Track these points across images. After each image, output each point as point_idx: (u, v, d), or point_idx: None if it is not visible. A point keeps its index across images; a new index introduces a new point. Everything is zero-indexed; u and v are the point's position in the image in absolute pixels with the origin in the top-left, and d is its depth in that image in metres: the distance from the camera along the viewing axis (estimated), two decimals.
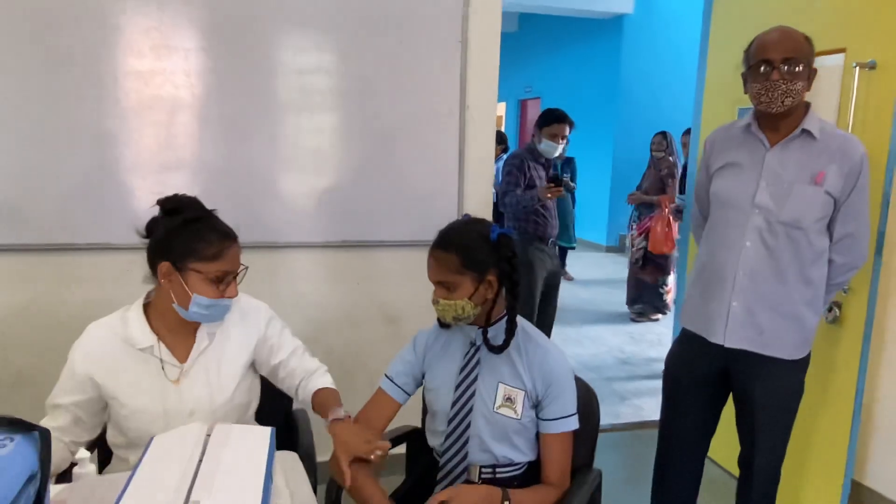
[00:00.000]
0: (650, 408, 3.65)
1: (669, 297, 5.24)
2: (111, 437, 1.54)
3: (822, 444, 2.35)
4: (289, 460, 1.29)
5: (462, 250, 1.44)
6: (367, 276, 2.52)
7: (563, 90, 9.75)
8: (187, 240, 1.41)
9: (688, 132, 3.79)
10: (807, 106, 1.78)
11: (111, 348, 1.47)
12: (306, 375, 1.62)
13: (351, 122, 2.40)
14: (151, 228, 1.46)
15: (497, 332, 1.51)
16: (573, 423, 1.51)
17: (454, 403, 1.52)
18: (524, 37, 10.97)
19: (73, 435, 1.48)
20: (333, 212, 2.43)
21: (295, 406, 1.86)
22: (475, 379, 1.52)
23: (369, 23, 2.35)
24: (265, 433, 1.24)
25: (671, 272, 5.11)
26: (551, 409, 1.50)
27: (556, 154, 3.43)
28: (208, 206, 1.50)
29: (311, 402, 1.57)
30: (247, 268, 1.50)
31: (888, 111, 2.08)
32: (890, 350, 2.49)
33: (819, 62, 2.38)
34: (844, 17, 2.24)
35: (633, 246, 5.33)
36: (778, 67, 1.68)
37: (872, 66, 2.12)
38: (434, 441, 1.59)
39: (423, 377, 1.61)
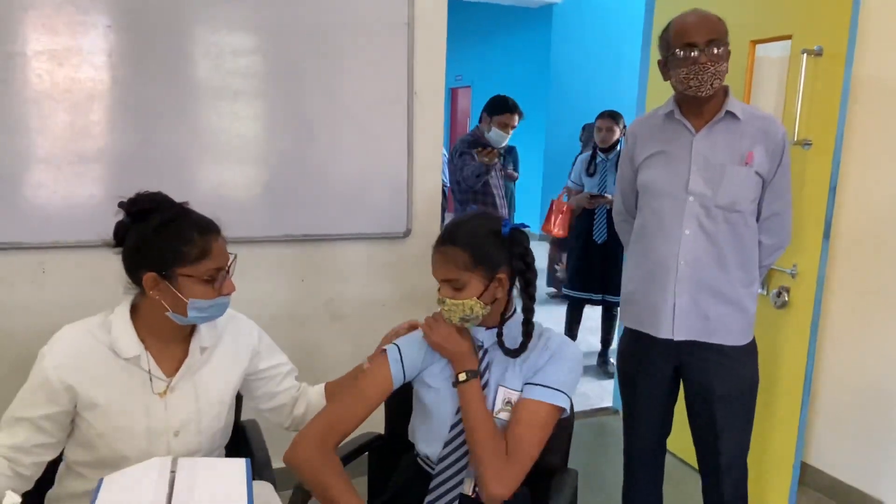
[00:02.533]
0: (596, 395, 3.66)
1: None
2: (72, 455, 1.35)
3: (771, 428, 2.38)
4: (264, 493, 1.12)
5: (472, 246, 1.34)
6: (312, 273, 2.36)
7: (495, 79, 9.72)
8: (167, 244, 1.27)
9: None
10: (725, 89, 1.77)
11: (93, 356, 1.30)
12: (299, 388, 1.60)
13: (290, 107, 2.24)
14: (121, 234, 1.31)
15: (511, 334, 1.40)
16: (559, 399, 1.35)
17: (459, 410, 1.38)
18: (455, 24, 10.76)
19: (34, 455, 1.28)
20: (275, 205, 2.27)
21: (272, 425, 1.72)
22: (485, 385, 1.39)
23: (309, 1, 2.19)
24: (239, 466, 1.05)
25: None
26: (538, 376, 1.37)
27: (504, 144, 3.42)
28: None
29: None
30: (235, 256, 1.36)
31: (835, 98, 2.10)
32: (833, 333, 2.56)
33: (765, 49, 2.42)
34: (790, 4, 2.25)
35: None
36: (704, 50, 1.65)
37: (819, 53, 2.14)
38: (428, 448, 1.43)
39: (417, 373, 1.44)
